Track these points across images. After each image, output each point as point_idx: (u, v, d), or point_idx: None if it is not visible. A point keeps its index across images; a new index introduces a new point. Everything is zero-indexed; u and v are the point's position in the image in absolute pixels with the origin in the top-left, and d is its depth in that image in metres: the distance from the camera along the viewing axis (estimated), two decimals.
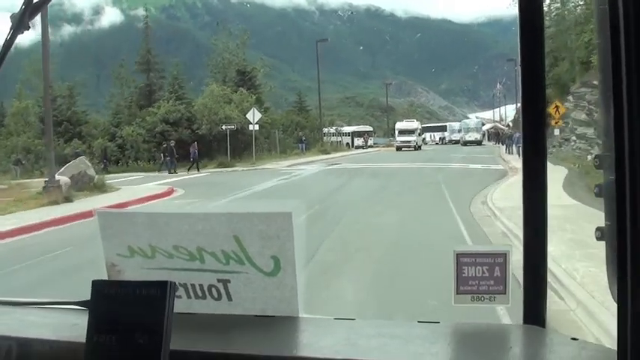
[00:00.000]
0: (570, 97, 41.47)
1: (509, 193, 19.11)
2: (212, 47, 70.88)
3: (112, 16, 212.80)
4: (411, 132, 71.19)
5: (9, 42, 1.93)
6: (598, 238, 1.50)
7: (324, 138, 73.27)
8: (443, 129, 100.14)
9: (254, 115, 47.78)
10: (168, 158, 43.40)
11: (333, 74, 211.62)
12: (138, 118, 54.89)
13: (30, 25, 1.90)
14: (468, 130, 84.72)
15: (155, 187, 29.25)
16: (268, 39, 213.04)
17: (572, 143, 40.32)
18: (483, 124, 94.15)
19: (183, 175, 39.60)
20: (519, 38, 1.71)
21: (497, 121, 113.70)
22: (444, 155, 51.84)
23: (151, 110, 54.90)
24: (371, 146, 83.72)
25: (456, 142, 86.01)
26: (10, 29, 1.90)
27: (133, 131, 52.77)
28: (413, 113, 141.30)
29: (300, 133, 65.64)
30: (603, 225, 1.40)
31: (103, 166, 45.50)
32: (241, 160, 49.25)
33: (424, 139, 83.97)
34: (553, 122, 35.31)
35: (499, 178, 28.03)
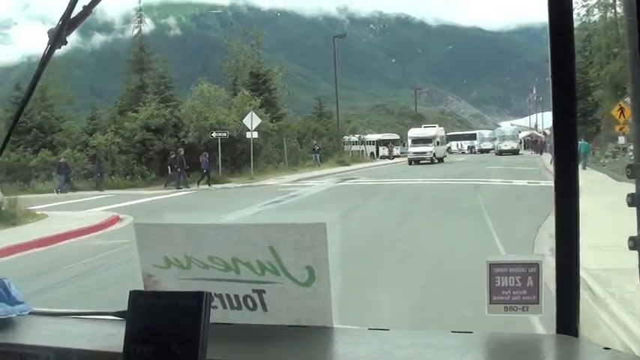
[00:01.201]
0: (628, 99, 38.97)
1: (590, 231, 10.55)
2: (225, 48, 64.57)
3: (142, 25, 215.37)
4: (427, 141, 55.86)
5: (47, 57, 1.97)
6: (631, 248, 1.50)
7: (345, 147, 65.27)
8: (472, 137, 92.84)
9: (252, 120, 40.98)
10: (179, 170, 36.97)
11: (364, 82, 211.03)
12: (115, 124, 46.10)
13: (67, 40, 1.94)
14: (503, 138, 76.81)
15: (99, 214, 22.49)
16: (299, 48, 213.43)
17: (630, 153, 35.78)
18: (519, 132, 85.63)
19: (173, 192, 34.01)
20: (549, 49, 1.71)
21: (532, 129, 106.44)
22: (479, 167, 44.45)
23: (131, 115, 46.00)
24: (397, 156, 73.38)
25: (486, 151, 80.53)
26: (48, 44, 1.94)
27: (107, 140, 43.62)
28: (444, 121, 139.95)
29: (314, 142, 56.11)
30: (636, 234, 1.41)
31: (95, 183, 38.64)
32: (240, 173, 42.63)
33: (449, 148, 76.15)
34: (617, 128, 31.94)
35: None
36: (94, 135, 44.55)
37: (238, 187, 35.53)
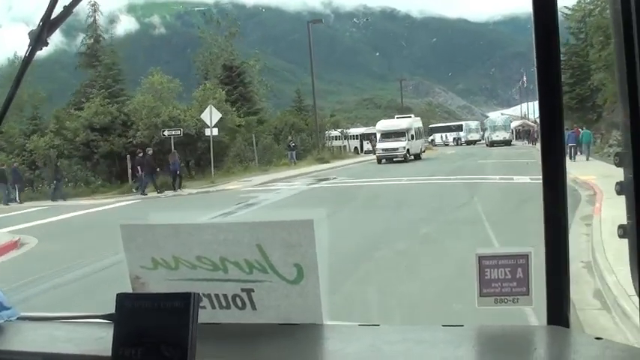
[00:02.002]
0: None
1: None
2: (199, 41, 61.18)
3: (127, 24, 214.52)
4: (399, 134, 46.43)
5: (28, 58, 1.96)
6: (620, 236, 1.50)
7: (328, 143, 60.44)
8: (458, 128, 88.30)
9: (211, 115, 35.73)
10: (144, 173, 31.99)
11: (350, 76, 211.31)
12: (56, 124, 39.97)
13: (48, 41, 1.93)
14: (494, 128, 71.54)
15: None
16: (284, 44, 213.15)
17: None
18: (511, 122, 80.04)
19: (118, 201, 29.09)
20: (534, 38, 1.71)
21: (524, 118, 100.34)
22: (472, 162, 40.27)
23: (73, 113, 40.44)
24: None
25: (473, 142, 78.66)
26: (29, 45, 1.92)
27: (45, 142, 37.66)
28: (431, 113, 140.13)
29: (289, 138, 49.52)
30: (625, 223, 1.40)
31: (53, 189, 33.24)
32: (204, 175, 37.28)
33: (432, 140, 73.33)
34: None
35: (573, 205, 15.98)
36: (31, 137, 38.69)
37: (193, 194, 30.56)
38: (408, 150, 45.47)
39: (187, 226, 1.94)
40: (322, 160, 47.70)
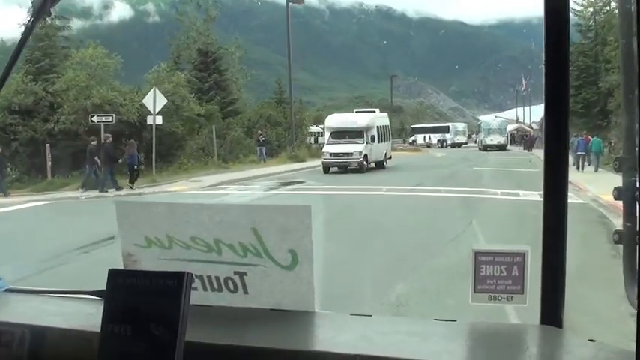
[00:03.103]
0: None
1: None
2: (177, 25, 55.71)
3: (121, 11, 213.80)
4: (355, 134, 34.88)
5: (30, 28, 1.93)
6: (616, 242, 1.50)
7: (310, 139, 54.48)
8: (444, 130, 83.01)
9: (155, 101, 29.38)
10: (98, 165, 26.48)
11: (344, 73, 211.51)
12: None
13: (51, 11, 1.90)
14: (489, 131, 66.42)
15: None
16: (278, 37, 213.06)
17: None
18: (507, 125, 74.85)
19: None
20: (544, 37, 1.70)
21: (520, 122, 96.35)
22: (465, 168, 34.81)
23: None
24: None
25: (458, 145, 74.64)
26: (32, 15, 1.90)
27: None
28: (422, 114, 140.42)
29: (259, 132, 43.13)
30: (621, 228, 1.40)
31: None
32: (148, 172, 30.04)
33: (414, 142, 68.45)
34: None
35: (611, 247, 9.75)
36: None
37: (122, 195, 24.32)
38: (366, 156, 34.05)
39: (183, 205, 1.93)
40: (296, 159, 41.41)
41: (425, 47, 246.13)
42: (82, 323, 1.74)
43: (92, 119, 29.66)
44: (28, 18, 1.89)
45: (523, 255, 1.75)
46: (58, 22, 38.49)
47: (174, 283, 1.47)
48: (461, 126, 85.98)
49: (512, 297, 1.76)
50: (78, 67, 34.27)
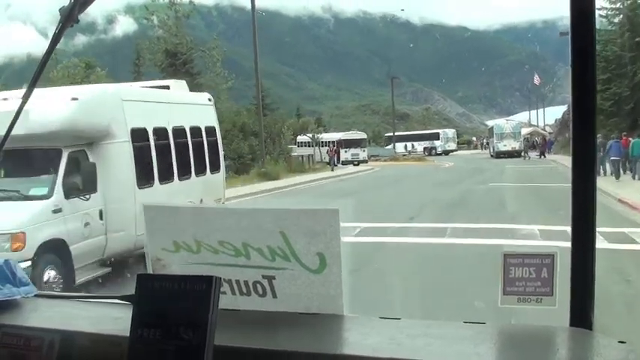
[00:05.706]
0: None
1: None
2: (147, 25, 51.45)
3: (125, 25, 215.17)
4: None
5: (58, 35, 1.94)
6: None
7: (297, 150, 50.83)
8: (433, 137, 79.10)
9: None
10: None
11: (350, 82, 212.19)
12: None
13: (79, 18, 1.92)
14: (502, 136, 59.80)
15: None
16: (284, 47, 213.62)
17: None
18: (521, 128, 66.61)
19: None
20: (570, 40, 1.69)
21: (534, 126, 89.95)
22: (478, 185, 28.45)
23: None
24: (365, 161, 57.52)
25: (447, 152, 72.72)
26: (59, 22, 1.91)
27: None
28: (429, 120, 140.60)
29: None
30: None
31: None
32: None
33: (369, 157, 59.93)
34: None
35: None
36: None
37: None
38: None
39: (210, 210, 1.95)
40: (267, 177, 35.12)
41: (430, 53, 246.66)
42: (111, 328, 1.75)
43: None
44: (57, 25, 1.90)
45: (552, 257, 1.74)
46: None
47: (203, 288, 1.47)
48: (451, 132, 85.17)
49: (541, 299, 1.76)
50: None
